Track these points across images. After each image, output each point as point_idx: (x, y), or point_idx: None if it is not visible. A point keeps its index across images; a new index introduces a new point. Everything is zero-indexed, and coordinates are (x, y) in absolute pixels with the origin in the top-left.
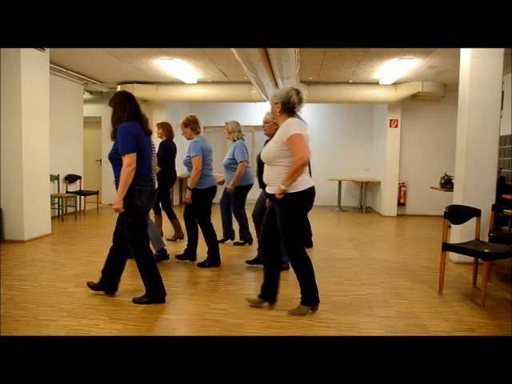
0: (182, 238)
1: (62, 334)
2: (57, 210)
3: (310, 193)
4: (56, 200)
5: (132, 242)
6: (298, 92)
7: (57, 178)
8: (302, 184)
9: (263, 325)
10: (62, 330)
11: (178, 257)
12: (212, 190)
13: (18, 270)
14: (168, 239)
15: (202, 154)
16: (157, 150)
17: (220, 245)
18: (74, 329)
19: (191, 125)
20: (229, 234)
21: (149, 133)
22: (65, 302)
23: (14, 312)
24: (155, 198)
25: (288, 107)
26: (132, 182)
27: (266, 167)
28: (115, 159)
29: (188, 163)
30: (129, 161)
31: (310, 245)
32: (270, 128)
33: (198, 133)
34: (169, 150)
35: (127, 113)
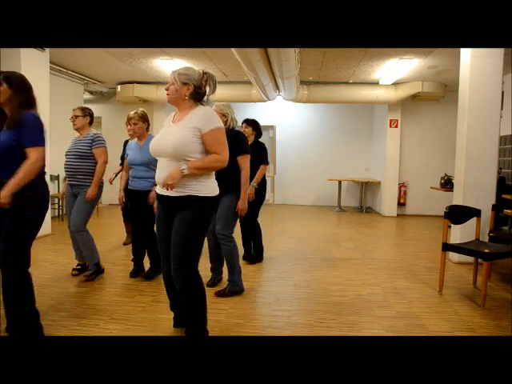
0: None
1: (62, 334)
2: (57, 210)
3: None
4: (56, 200)
5: None
6: (213, 78)
7: (57, 178)
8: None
9: (263, 325)
10: (62, 330)
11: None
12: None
13: None
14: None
15: None
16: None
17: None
18: (73, 329)
19: (148, 121)
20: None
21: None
22: (65, 302)
23: None
24: None
25: (200, 93)
26: None
27: (167, 163)
28: None
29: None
30: None
31: (257, 259)
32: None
33: None
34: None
35: None
